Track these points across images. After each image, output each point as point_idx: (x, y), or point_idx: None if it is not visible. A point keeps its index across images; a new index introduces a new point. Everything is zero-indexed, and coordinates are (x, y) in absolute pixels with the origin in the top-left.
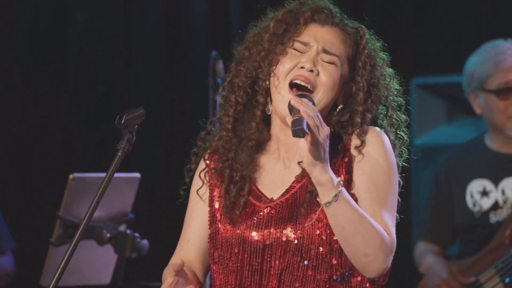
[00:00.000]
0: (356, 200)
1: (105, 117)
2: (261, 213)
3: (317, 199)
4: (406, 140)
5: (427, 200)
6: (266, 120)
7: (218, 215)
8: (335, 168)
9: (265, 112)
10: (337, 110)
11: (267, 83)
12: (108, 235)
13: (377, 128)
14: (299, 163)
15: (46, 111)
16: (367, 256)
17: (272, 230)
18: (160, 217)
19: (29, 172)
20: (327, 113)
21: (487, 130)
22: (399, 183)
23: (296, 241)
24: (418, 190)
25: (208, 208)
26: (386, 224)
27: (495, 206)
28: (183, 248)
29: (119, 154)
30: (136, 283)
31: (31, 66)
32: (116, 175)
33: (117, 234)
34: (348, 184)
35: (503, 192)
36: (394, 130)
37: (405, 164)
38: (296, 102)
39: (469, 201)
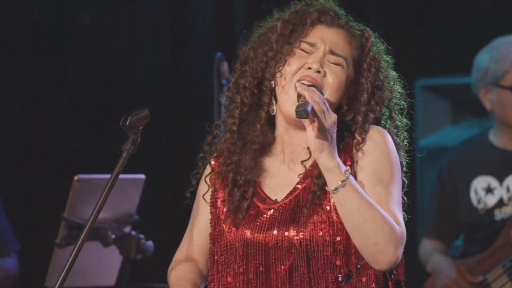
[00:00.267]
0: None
1: (110, 118)
2: (265, 215)
3: (325, 188)
4: (406, 144)
5: (431, 197)
6: (271, 121)
7: (222, 217)
8: None
9: (269, 113)
10: (342, 111)
11: (273, 83)
12: (113, 236)
13: (379, 127)
14: (302, 162)
15: (49, 112)
16: (377, 244)
17: (275, 232)
18: (165, 219)
19: (34, 173)
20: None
21: (492, 126)
22: (404, 183)
23: (299, 243)
24: (423, 191)
25: (212, 210)
26: (395, 215)
27: (500, 203)
28: (186, 246)
29: (124, 155)
30: (141, 285)
31: (33, 66)
32: (121, 176)
33: (122, 235)
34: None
35: (508, 189)
36: (395, 132)
37: (408, 161)
38: (302, 89)
39: (473, 198)
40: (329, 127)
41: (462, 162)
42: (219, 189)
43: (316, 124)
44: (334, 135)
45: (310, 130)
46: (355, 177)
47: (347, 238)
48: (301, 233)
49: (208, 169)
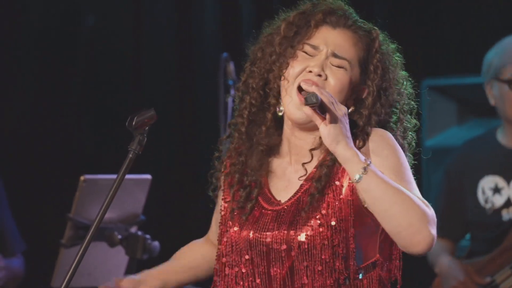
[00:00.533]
0: None
1: (116, 119)
2: (268, 217)
3: (324, 191)
4: (413, 145)
5: (438, 195)
6: (280, 122)
7: (228, 217)
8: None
9: (276, 114)
10: (348, 112)
11: (276, 85)
12: (119, 236)
13: (381, 130)
14: (303, 164)
15: (55, 112)
16: (412, 225)
17: (275, 233)
18: (171, 219)
19: (40, 174)
20: None
21: (500, 125)
22: None
23: (297, 245)
24: (429, 192)
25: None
26: (421, 198)
27: (508, 204)
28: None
29: (130, 155)
30: None
31: (40, 67)
32: (127, 176)
33: (128, 235)
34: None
35: None
36: (402, 134)
37: (414, 162)
38: (308, 86)
39: (480, 197)
40: (341, 118)
41: (470, 161)
42: (225, 189)
43: (328, 117)
44: (347, 126)
45: (323, 125)
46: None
47: (346, 241)
48: (299, 236)
49: (222, 168)
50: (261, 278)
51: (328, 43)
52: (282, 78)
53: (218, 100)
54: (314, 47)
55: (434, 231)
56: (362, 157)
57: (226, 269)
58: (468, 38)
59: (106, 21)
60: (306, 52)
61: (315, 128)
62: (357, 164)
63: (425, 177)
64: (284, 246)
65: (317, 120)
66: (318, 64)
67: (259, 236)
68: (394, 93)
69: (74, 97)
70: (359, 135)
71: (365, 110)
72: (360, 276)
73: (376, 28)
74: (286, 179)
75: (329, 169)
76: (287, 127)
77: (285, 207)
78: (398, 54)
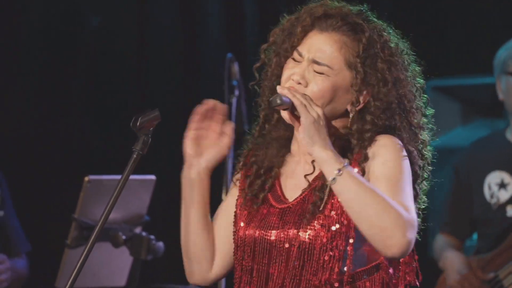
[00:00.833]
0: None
1: (120, 119)
2: (274, 215)
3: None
4: (429, 140)
5: (446, 193)
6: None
7: (238, 211)
8: None
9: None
10: (351, 117)
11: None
12: (124, 237)
13: (389, 135)
14: (312, 162)
15: (60, 113)
16: (384, 230)
17: (280, 231)
18: (176, 219)
19: (44, 174)
20: (341, 121)
21: (508, 125)
22: (417, 194)
23: (298, 245)
24: (433, 192)
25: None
26: (403, 202)
27: None
28: None
29: (135, 156)
30: (151, 285)
31: (44, 67)
32: (132, 177)
33: (132, 236)
34: None
35: None
36: (411, 140)
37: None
38: (281, 89)
39: (486, 192)
40: (314, 119)
41: (478, 158)
42: (242, 180)
43: (301, 119)
44: (324, 127)
45: (299, 129)
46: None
47: (346, 244)
48: (301, 235)
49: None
50: (258, 275)
51: (311, 49)
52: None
53: (222, 101)
54: (300, 54)
55: (410, 235)
56: (339, 159)
57: (236, 263)
58: (472, 39)
59: (110, 21)
60: (294, 59)
61: None
62: (332, 165)
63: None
64: (286, 245)
65: (295, 124)
66: (298, 72)
67: (264, 233)
68: (391, 95)
69: (78, 97)
70: (362, 139)
71: (367, 114)
72: (362, 278)
73: (366, 28)
74: (296, 177)
75: None
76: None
77: (291, 206)
78: (406, 54)
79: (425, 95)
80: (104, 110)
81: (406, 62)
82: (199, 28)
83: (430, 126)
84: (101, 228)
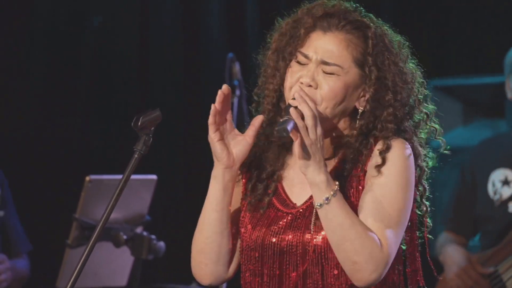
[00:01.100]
0: (359, 208)
1: (122, 119)
2: (283, 220)
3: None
4: (439, 129)
5: (451, 192)
6: None
7: (244, 214)
8: (355, 174)
9: None
10: (359, 114)
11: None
12: (125, 237)
13: (401, 140)
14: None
15: (61, 112)
16: (355, 264)
17: (290, 237)
18: (177, 219)
19: (45, 174)
20: (349, 119)
21: None
22: (425, 189)
23: (313, 249)
24: (434, 192)
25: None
26: (384, 236)
27: None
28: None
29: (136, 156)
30: (152, 285)
31: (46, 67)
32: (133, 177)
33: (133, 236)
34: (359, 193)
35: None
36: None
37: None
38: (297, 100)
39: (490, 189)
40: (312, 142)
41: (483, 157)
42: (244, 185)
43: (299, 140)
44: (321, 149)
45: (297, 145)
46: (364, 185)
47: None
48: (315, 239)
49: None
50: (270, 278)
51: (318, 51)
52: (282, 88)
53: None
54: (306, 56)
55: (379, 272)
56: (331, 185)
57: (242, 266)
58: (474, 39)
59: (113, 21)
60: (299, 62)
61: (325, 134)
62: (322, 191)
63: (430, 177)
64: (300, 250)
65: (294, 136)
66: (307, 75)
67: (273, 239)
68: (406, 87)
69: (80, 97)
70: (379, 147)
71: (380, 109)
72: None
73: (371, 25)
74: (301, 181)
75: (344, 178)
76: None
77: (301, 210)
78: (406, 48)
79: (425, 90)
80: (105, 110)
81: (407, 55)
82: (200, 28)
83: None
84: (102, 228)
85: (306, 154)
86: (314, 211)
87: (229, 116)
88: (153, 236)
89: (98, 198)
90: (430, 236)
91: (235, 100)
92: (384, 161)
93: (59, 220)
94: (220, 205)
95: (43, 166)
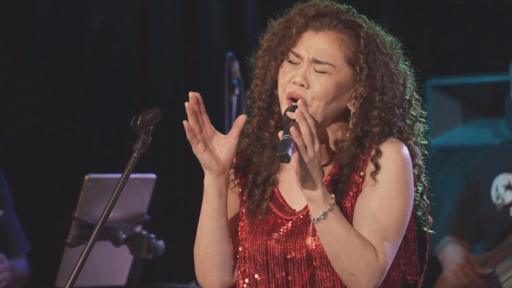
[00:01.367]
0: (355, 217)
1: (121, 118)
2: (284, 226)
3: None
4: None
5: (455, 197)
6: None
7: (243, 218)
8: (354, 181)
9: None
10: (352, 114)
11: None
12: (124, 236)
13: (397, 142)
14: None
15: (61, 112)
16: (352, 275)
17: (293, 243)
18: (176, 218)
19: (45, 173)
20: (341, 120)
21: None
22: (424, 187)
23: (320, 256)
24: (434, 191)
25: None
26: (381, 246)
27: None
28: None
29: (135, 155)
30: (151, 284)
31: (47, 67)
32: (132, 176)
33: (133, 235)
34: (355, 198)
35: None
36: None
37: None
38: (297, 114)
39: (493, 194)
40: (310, 159)
41: (487, 162)
42: (241, 191)
43: (296, 157)
44: (318, 166)
45: (294, 162)
46: (361, 190)
47: None
48: (320, 245)
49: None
50: (277, 285)
51: (310, 49)
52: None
53: (223, 99)
54: (297, 55)
55: (373, 283)
56: (328, 199)
57: (240, 274)
58: (473, 38)
59: (113, 21)
60: (291, 61)
61: (321, 139)
62: (319, 207)
63: (430, 176)
64: (304, 256)
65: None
66: (299, 74)
67: (276, 246)
68: (395, 88)
69: (80, 96)
70: (372, 134)
71: (372, 109)
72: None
73: (363, 24)
74: (298, 187)
75: (342, 183)
76: None
77: (301, 217)
78: (398, 49)
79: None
80: (104, 109)
81: (399, 56)
82: (200, 28)
83: (424, 120)
84: (101, 227)
85: (303, 170)
86: None
87: (205, 118)
88: (152, 235)
89: (97, 197)
90: (432, 231)
91: (234, 99)
92: (377, 168)
93: (59, 219)
94: (216, 212)
95: (42, 165)
